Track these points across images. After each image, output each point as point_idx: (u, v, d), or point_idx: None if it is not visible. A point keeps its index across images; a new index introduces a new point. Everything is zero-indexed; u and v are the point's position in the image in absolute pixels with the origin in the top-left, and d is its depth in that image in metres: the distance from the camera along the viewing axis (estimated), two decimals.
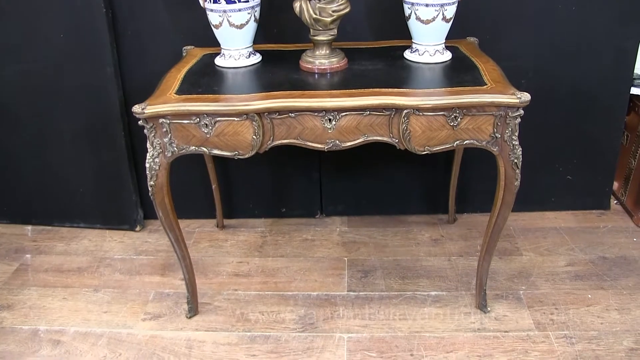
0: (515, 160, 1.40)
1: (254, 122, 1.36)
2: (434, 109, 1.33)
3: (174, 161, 1.44)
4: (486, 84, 1.39)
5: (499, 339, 1.58)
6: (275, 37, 1.83)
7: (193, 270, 1.67)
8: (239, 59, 1.59)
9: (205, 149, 1.41)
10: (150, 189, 1.45)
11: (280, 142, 1.41)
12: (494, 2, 1.81)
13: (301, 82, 1.46)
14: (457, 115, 1.35)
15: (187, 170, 2.05)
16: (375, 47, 1.70)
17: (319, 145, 1.41)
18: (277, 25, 1.83)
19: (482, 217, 2.13)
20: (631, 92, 1.97)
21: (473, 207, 2.16)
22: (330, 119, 1.37)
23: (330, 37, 1.53)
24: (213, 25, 1.56)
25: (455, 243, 2.01)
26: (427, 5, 1.48)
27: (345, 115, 1.36)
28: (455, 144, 1.39)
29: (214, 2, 1.51)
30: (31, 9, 1.80)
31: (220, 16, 1.52)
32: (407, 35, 1.60)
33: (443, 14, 1.50)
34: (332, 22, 1.50)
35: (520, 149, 1.39)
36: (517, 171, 1.41)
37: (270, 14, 1.75)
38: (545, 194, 2.13)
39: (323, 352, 1.57)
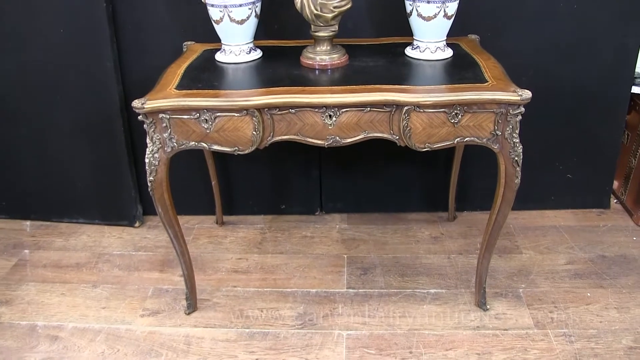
0: (516, 158, 1.39)
1: (254, 118, 1.36)
2: (435, 105, 1.33)
3: (173, 157, 1.44)
4: (487, 81, 1.39)
5: (498, 337, 1.58)
6: (276, 33, 1.83)
7: (192, 266, 1.66)
8: (239, 54, 1.58)
9: (205, 145, 1.41)
10: (149, 184, 1.44)
11: (280, 138, 1.41)
12: (495, 0, 1.80)
13: (302, 78, 1.45)
14: (458, 112, 1.34)
15: (186, 166, 2.05)
16: (376, 44, 1.70)
17: (319, 142, 1.40)
18: (278, 21, 1.82)
19: (482, 215, 2.13)
20: (632, 91, 1.97)
21: (473, 205, 2.15)
22: (330, 115, 1.36)
23: (331, 33, 1.52)
24: (214, 20, 1.55)
25: (455, 241, 2.00)
26: (428, 2, 1.48)
27: (346, 111, 1.36)
28: (455, 141, 1.39)
29: None
30: (31, 3, 1.79)
31: (221, 11, 1.51)
32: (408, 32, 1.60)
33: (444, 11, 1.49)
34: (333, 18, 1.49)
35: (521, 146, 1.38)
36: (518, 169, 1.41)
37: (271, 10, 1.74)
38: (545, 193, 2.13)
39: (322, 349, 1.56)
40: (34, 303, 1.77)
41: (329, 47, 1.53)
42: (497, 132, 1.37)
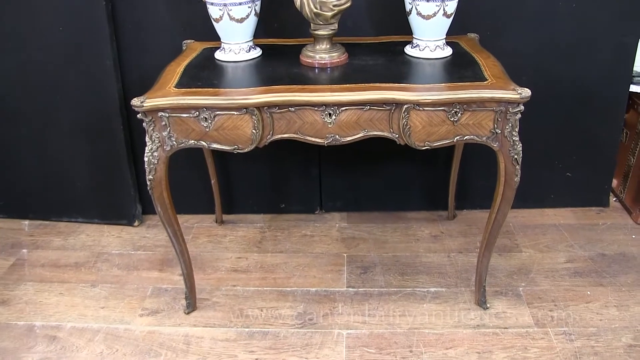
0: (516, 156, 1.39)
1: (253, 116, 1.35)
2: (434, 104, 1.33)
3: (173, 156, 1.43)
4: (487, 80, 1.39)
5: (499, 335, 1.58)
6: (275, 31, 1.82)
7: (191, 265, 1.66)
8: (239, 53, 1.58)
9: (204, 143, 1.40)
10: (148, 183, 1.44)
11: (279, 136, 1.40)
12: None
13: (301, 77, 1.45)
14: (458, 110, 1.34)
15: (186, 165, 2.05)
16: (376, 43, 1.70)
17: (319, 140, 1.40)
18: (278, 20, 1.82)
19: (481, 214, 2.13)
20: (630, 90, 1.97)
21: (473, 203, 2.15)
22: (330, 114, 1.36)
23: (330, 32, 1.52)
24: (213, 19, 1.55)
25: (454, 239, 2.00)
26: (428, 0, 1.47)
27: (345, 109, 1.35)
28: (455, 140, 1.39)
29: None
30: (30, 2, 1.79)
31: (220, 10, 1.51)
32: (407, 30, 1.60)
33: (444, 10, 1.49)
34: (333, 16, 1.49)
35: (521, 144, 1.38)
36: (517, 167, 1.41)
37: (270, 8, 1.74)
38: (544, 191, 2.13)
39: (322, 348, 1.56)
40: (31, 303, 1.76)
41: (328, 46, 1.53)
42: (497, 130, 1.37)
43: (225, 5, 1.50)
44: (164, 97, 1.36)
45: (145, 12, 1.83)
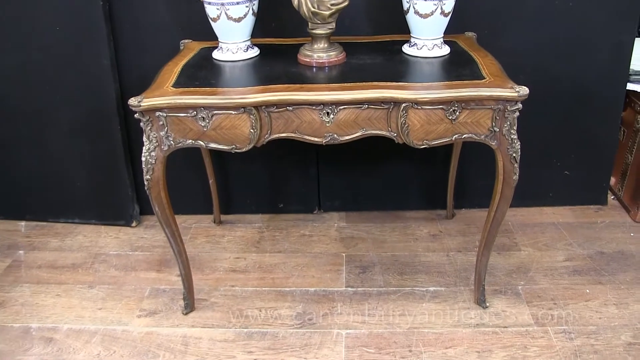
0: (514, 155, 1.39)
1: (251, 116, 1.35)
2: (433, 102, 1.33)
3: (170, 156, 1.43)
4: (485, 78, 1.38)
5: (498, 334, 1.58)
6: (273, 31, 1.82)
7: (189, 266, 1.65)
8: (236, 52, 1.58)
9: (202, 143, 1.40)
10: (146, 183, 1.43)
11: (277, 135, 1.40)
12: None
13: (299, 76, 1.45)
14: (456, 109, 1.34)
15: (184, 165, 2.04)
16: (374, 42, 1.69)
17: (317, 139, 1.40)
18: (276, 19, 1.81)
19: (480, 213, 2.12)
20: (627, 88, 1.97)
21: (471, 202, 2.15)
22: (328, 113, 1.35)
23: (328, 31, 1.52)
24: (211, 18, 1.54)
25: (453, 238, 2.00)
26: None
27: (344, 108, 1.35)
28: (453, 138, 1.39)
29: None
30: (27, 1, 1.78)
31: (218, 9, 1.50)
32: (405, 29, 1.59)
33: (441, 8, 1.49)
34: (331, 15, 1.48)
35: (519, 143, 1.38)
36: (516, 165, 1.40)
37: (268, 8, 1.73)
38: (543, 190, 2.13)
39: (321, 348, 1.56)
40: (28, 305, 1.75)
41: (326, 45, 1.53)
42: (495, 128, 1.36)
43: (222, 4, 1.49)
44: (161, 96, 1.35)
45: (143, 12, 1.83)
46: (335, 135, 1.39)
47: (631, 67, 1.94)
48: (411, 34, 1.58)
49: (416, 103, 1.33)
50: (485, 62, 1.49)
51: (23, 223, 2.17)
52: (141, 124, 1.37)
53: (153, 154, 1.40)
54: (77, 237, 2.08)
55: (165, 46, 1.81)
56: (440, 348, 1.54)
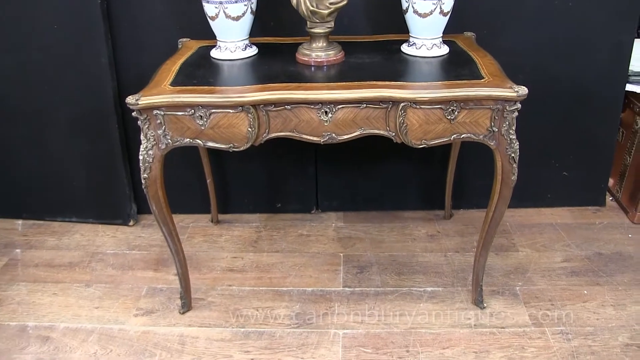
0: (513, 155, 1.39)
1: (249, 114, 1.34)
2: (431, 102, 1.32)
3: (168, 155, 1.42)
4: (483, 78, 1.38)
5: (495, 335, 1.57)
6: (271, 30, 1.81)
7: (186, 265, 1.65)
8: (235, 51, 1.57)
9: (199, 141, 1.39)
10: (143, 181, 1.43)
11: (275, 134, 1.39)
12: None
13: (297, 75, 1.44)
14: (454, 108, 1.34)
15: (181, 164, 2.03)
16: (372, 41, 1.69)
17: (315, 138, 1.39)
18: (274, 18, 1.81)
19: (478, 213, 2.12)
20: (626, 89, 1.97)
21: (469, 203, 2.15)
22: (326, 112, 1.35)
23: (327, 30, 1.51)
24: (209, 16, 1.54)
25: (451, 239, 2.00)
26: None
27: (342, 107, 1.35)
28: (452, 138, 1.38)
29: None
30: (26, 0, 1.77)
31: (216, 8, 1.50)
32: (404, 29, 1.59)
33: (440, 8, 1.48)
34: (329, 14, 1.48)
35: (518, 143, 1.38)
36: (514, 165, 1.40)
37: (267, 7, 1.73)
38: (541, 190, 2.13)
39: (318, 348, 1.55)
40: (24, 303, 1.74)
41: (324, 44, 1.52)
42: (494, 128, 1.36)
43: (221, 3, 1.49)
44: (159, 95, 1.34)
45: (141, 10, 1.82)
46: (334, 135, 1.39)
47: (630, 67, 1.93)
48: (410, 34, 1.57)
49: (415, 102, 1.32)
50: (484, 62, 1.48)
51: (20, 221, 2.17)
52: (139, 122, 1.37)
53: (150, 152, 1.40)
54: (75, 236, 2.07)
55: (163, 45, 1.81)
56: (438, 348, 1.53)
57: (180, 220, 2.12)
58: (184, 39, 1.75)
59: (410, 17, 1.53)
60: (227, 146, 1.40)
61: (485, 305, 1.67)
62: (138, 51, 1.87)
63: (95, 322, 1.66)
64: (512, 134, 1.37)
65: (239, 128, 1.37)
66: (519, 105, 1.33)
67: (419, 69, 1.49)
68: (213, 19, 1.53)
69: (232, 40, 1.56)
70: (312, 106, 1.34)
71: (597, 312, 1.64)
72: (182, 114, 1.35)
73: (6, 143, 2.02)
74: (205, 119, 1.36)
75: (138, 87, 1.41)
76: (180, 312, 1.69)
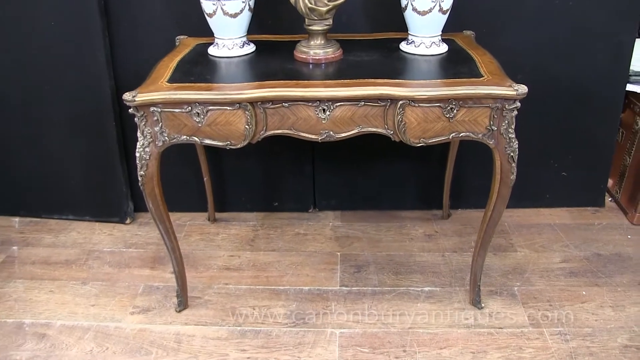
0: (512, 154, 1.38)
1: (246, 112, 1.34)
2: (430, 100, 1.31)
3: (165, 153, 1.42)
4: (483, 76, 1.37)
5: (493, 335, 1.57)
6: (269, 28, 1.80)
7: (183, 263, 1.64)
8: (232, 48, 1.56)
9: (196, 139, 1.39)
10: (140, 178, 1.42)
11: (273, 132, 1.38)
12: None
13: (295, 72, 1.43)
14: (453, 107, 1.33)
15: (178, 162, 2.03)
16: (371, 39, 1.68)
17: (313, 136, 1.38)
18: (272, 16, 1.80)
19: (476, 213, 2.11)
20: (627, 89, 1.96)
21: (467, 203, 2.14)
22: (324, 109, 1.34)
23: (325, 27, 1.50)
24: (207, 13, 1.53)
25: (449, 239, 1.99)
26: None
27: (340, 105, 1.34)
28: (451, 137, 1.37)
29: None
30: None
31: (214, 4, 1.49)
32: (403, 27, 1.58)
33: (440, 5, 1.47)
34: (328, 11, 1.47)
35: (517, 142, 1.37)
36: (513, 165, 1.39)
37: (265, 4, 1.72)
38: (540, 190, 2.12)
39: (314, 347, 1.54)
40: (21, 300, 1.74)
41: (323, 41, 1.52)
42: (493, 127, 1.35)
43: None
44: (156, 91, 1.33)
45: (139, 7, 1.81)
46: (331, 133, 1.38)
47: (631, 67, 1.93)
48: (409, 32, 1.57)
49: (413, 100, 1.31)
50: (483, 60, 1.48)
51: (17, 219, 2.16)
52: (135, 119, 1.36)
53: (147, 149, 1.39)
54: (71, 234, 2.07)
55: (160, 42, 1.80)
56: (435, 348, 1.53)
57: (177, 218, 2.11)
58: (182, 37, 1.74)
59: (409, 15, 1.52)
60: (224, 144, 1.39)
61: (483, 305, 1.66)
62: (135, 49, 1.87)
63: (92, 319, 1.66)
64: (512, 133, 1.36)
65: (236, 125, 1.36)
66: (518, 104, 1.32)
67: (417, 67, 1.48)
68: (211, 15, 1.52)
69: (230, 38, 1.55)
70: (309, 104, 1.34)
71: (596, 313, 1.64)
72: (179, 111, 1.35)
73: (3, 140, 2.01)
74: (202, 116, 1.35)
75: (135, 84, 1.40)
76: (176, 311, 1.68)
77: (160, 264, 1.89)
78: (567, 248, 1.92)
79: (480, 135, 1.37)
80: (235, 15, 1.51)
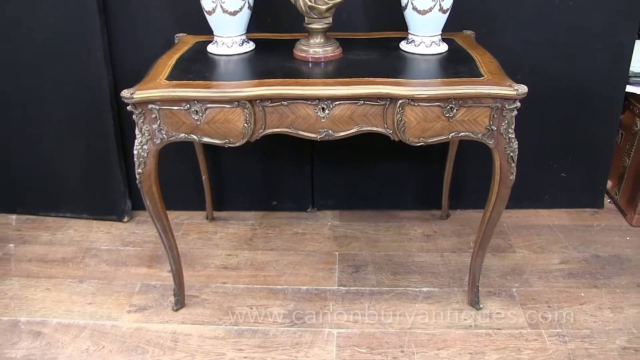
0: (511, 154, 1.37)
1: (245, 110, 1.33)
2: (429, 99, 1.31)
3: (163, 151, 1.41)
4: (483, 76, 1.37)
5: (491, 336, 1.56)
6: (269, 26, 1.80)
7: (180, 261, 1.63)
8: (231, 46, 1.56)
9: (195, 137, 1.38)
10: (137, 176, 1.41)
11: (272, 130, 1.38)
12: None
13: (295, 71, 1.43)
14: (453, 106, 1.32)
15: (177, 160, 2.02)
16: (371, 38, 1.68)
17: (312, 135, 1.38)
18: (272, 14, 1.79)
19: (475, 214, 2.11)
20: (626, 90, 1.96)
21: (466, 203, 2.14)
22: (323, 108, 1.33)
23: (325, 26, 1.50)
24: (206, 11, 1.52)
25: (448, 239, 1.98)
26: None
27: (339, 104, 1.33)
28: (450, 136, 1.37)
29: None
30: None
31: (213, 2, 1.48)
32: (403, 26, 1.57)
33: (440, 5, 1.47)
34: (328, 10, 1.46)
35: (517, 142, 1.36)
36: (513, 165, 1.39)
37: (264, 2, 1.72)
38: (539, 191, 2.12)
39: (312, 347, 1.54)
40: (17, 298, 1.73)
41: (322, 40, 1.51)
42: (493, 127, 1.35)
43: None
44: (154, 89, 1.33)
45: (138, 5, 1.81)
46: (331, 131, 1.37)
47: (631, 68, 1.92)
48: (409, 31, 1.56)
49: (413, 99, 1.31)
50: (483, 60, 1.47)
51: (14, 216, 2.15)
52: (134, 116, 1.35)
53: (145, 147, 1.38)
54: (68, 232, 2.06)
55: (159, 40, 1.79)
56: (433, 349, 1.52)
57: (175, 216, 2.11)
58: (181, 34, 1.73)
59: (409, 14, 1.52)
60: (223, 142, 1.38)
61: (481, 306, 1.66)
62: (134, 46, 1.86)
63: (88, 318, 1.65)
64: (511, 133, 1.35)
65: (234, 123, 1.35)
66: (518, 104, 1.31)
67: (417, 66, 1.47)
68: (210, 13, 1.52)
69: (229, 36, 1.55)
70: (309, 102, 1.33)
71: (595, 314, 1.63)
72: (177, 109, 1.34)
73: (0, 137, 2.00)
74: (200, 114, 1.34)
75: (134, 82, 1.39)
76: (173, 309, 1.67)
77: (158, 262, 1.88)
78: (566, 249, 1.92)
79: (480, 135, 1.37)
80: (234, 13, 1.50)
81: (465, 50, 1.55)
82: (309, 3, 1.44)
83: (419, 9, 1.48)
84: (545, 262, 1.86)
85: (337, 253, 1.92)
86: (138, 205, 2.10)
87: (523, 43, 1.84)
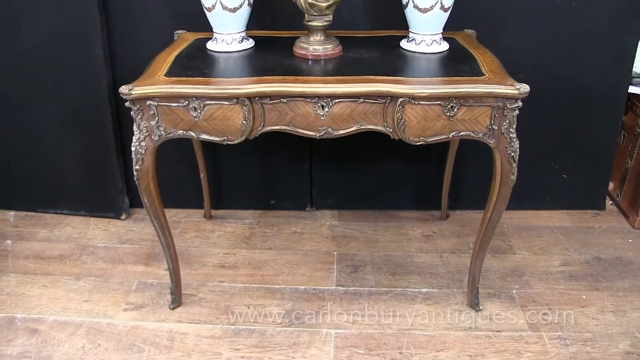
0: (512, 154, 1.36)
1: (244, 107, 1.32)
2: (430, 98, 1.29)
3: (161, 148, 1.40)
4: (484, 75, 1.35)
5: (491, 338, 1.55)
6: (269, 24, 1.79)
7: (177, 260, 1.62)
8: (231, 43, 1.54)
9: (193, 134, 1.37)
10: (135, 173, 1.40)
11: (270, 128, 1.37)
12: None
13: (294, 68, 1.42)
14: (454, 105, 1.31)
15: (175, 158, 2.01)
16: (371, 36, 1.67)
17: (311, 133, 1.37)
18: (271, 11, 1.78)
19: (475, 215, 2.09)
20: (629, 91, 1.94)
21: (466, 204, 2.12)
22: (323, 106, 1.32)
23: (325, 23, 1.48)
24: (206, 7, 1.51)
25: (447, 240, 1.97)
26: None
27: (339, 102, 1.32)
28: (451, 135, 1.36)
29: None
30: None
31: None
32: (404, 25, 1.56)
33: (441, 3, 1.46)
34: (328, 7, 1.45)
35: (518, 142, 1.35)
36: (514, 165, 1.37)
37: None
38: (540, 193, 2.10)
39: (309, 347, 1.52)
40: (13, 295, 1.72)
41: (322, 38, 1.50)
42: (494, 126, 1.33)
43: None
44: (153, 85, 1.32)
45: (137, 2, 1.80)
46: (330, 129, 1.36)
47: (634, 69, 1.91)
48: (410, 29, 1.55)
49: (413, 98, 1.29)
50: (484, 59, 1.46)
51: (12, 213, 2.14)
52: (132, 112, 1.34)
53: (143, 143, 1.37)
54: (66, 228, 2.05)
55: (159, 37, 1.78)
56: (432, 351, 1.51)
57: (173, 214, 2.09)
58: (180, 31, 1.72)
59: (410, 12, 1.50)
60: (221, 139, 1.37)
61: (481, 307, 1.64)
62: (133, 43, 1.85)
63: (84, 315, 1.64)
64: (513, 133, 1.34)
65: (233, 120, 1.34)
66: (519, 103, 1.30)
67: (418, 65, 1.46)
68: (210, 10, 1.50)
69: (229, 33, 1.54)
70: (308, 100, 1.32)
71: (597, 317, 1.61)
72: (175, 105, 1.33)
73: None
74: (199, 111, 1.33)
75: (133, 79, 1.38)
76: (170, 308, 1.66)
77: (155, 260, 1.87)
78: (567, 251, 1.90)
79: (480, 135, 1.35)
80: (234, 10, 1.49)
81: (466, 49, 1.54)
82: (310, 0, 1.43)
83: (420, 7, 1.47)
84: (546, 263, 1.84)
85: (335, 253, 1.90)
86: (136, 202, 2.09)
87: (524, 42, 1.83)
